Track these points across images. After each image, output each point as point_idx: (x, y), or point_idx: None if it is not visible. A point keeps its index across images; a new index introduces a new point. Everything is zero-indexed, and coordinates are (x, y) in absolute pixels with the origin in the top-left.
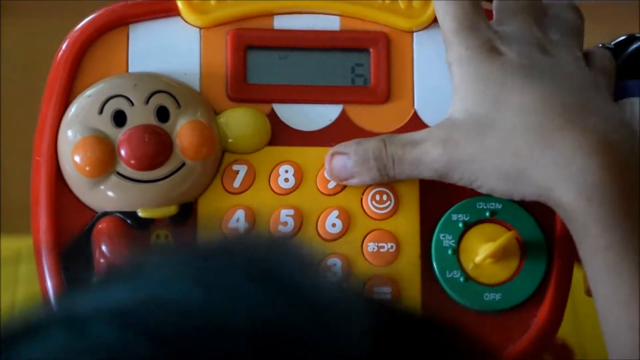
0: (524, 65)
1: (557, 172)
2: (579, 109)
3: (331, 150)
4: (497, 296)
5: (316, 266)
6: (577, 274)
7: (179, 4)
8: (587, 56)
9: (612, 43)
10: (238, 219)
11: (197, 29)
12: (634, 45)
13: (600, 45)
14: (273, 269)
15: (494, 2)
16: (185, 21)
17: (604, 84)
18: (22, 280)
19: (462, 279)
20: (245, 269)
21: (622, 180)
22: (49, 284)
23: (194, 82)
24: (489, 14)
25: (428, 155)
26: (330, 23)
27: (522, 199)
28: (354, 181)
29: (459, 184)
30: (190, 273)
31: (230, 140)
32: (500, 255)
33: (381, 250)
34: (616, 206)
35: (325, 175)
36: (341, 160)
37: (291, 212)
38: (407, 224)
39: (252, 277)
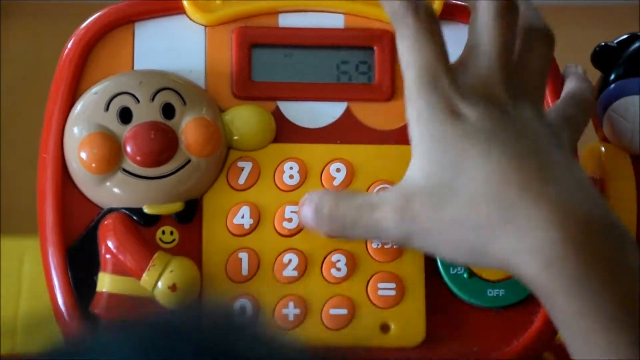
0: (484, 129)
1: (518, 245)
2: (538, 175)
3: (305, 196)
4: (501, 292)
5: (268, 341)
6: None
7: (185, 3)
8: (563, 98)
9: (615, 42)
10: (243, 216)
11: (203, 27)
12: (636, 44)
13: (603, 43)
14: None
15: (469, 39)
16: (191, 19)
17: (568, 135)
18: (25, 280)
19: (465, 275)
20: (195, 349)
21: (584, 247)
22: (55, 280)
23: (199, 80)
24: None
25: (384, 223)
26: (335, 21)
27: (486, 268)
28: (321, 232)
29: (420, 251)
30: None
31: (235, 138)
32: None
33: (385, 246)
34: (579, 275)
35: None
36: (306, 211)
37: (296, 208)
38: None
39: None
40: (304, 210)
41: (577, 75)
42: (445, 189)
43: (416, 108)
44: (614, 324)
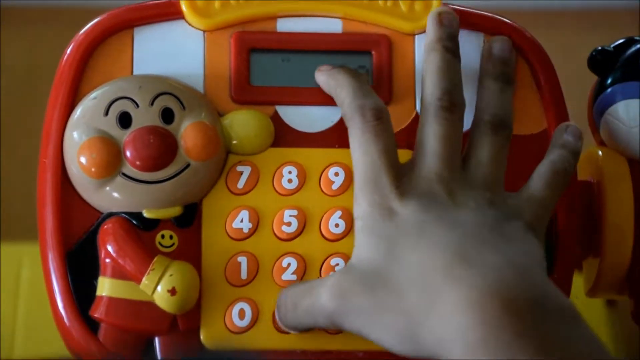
0: (416, 223)
1: (442, 330)
2: (464, 262)
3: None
4: None
5: None
6: (577, 276)
7: (183, 7)
8: (533, 175)
9: (612, 46)
10: (242, 220)
11: (201, 32)
12: (633, 48)
13: (600, 48)
14: None
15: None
16: (189, 24)
17: (531, 215)
18: (23, 286)
19: None
20: None
21: (506, 328)
22: (55, 284)
23: (198, 85)
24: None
25: (318, 302)
26: (333, 26)
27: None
28: (282, 327)
29: (358, 335)
30: None
31: (234, 142)
32: None
33: None
34: (503, 357)
35: None
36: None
37: (295, 212)
38: None
39: None
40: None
41: (561, 140)
42: (377, 274)
43: (358, 203)
44: None
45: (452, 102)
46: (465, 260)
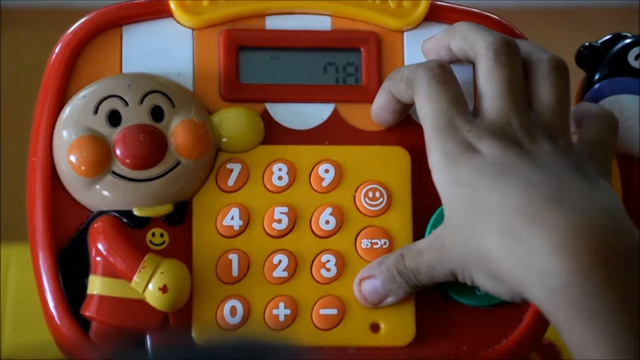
0: (497, 163)
1: (525, 271)
2: (547, 204)
3: (357, 277)
4: None
5: None
6: None
7: (172, 5)
8: (583, 127)
9: (599, 42)
10: (233, 217)
11: (190, 30)
12: (620, 44)
13: (587, 43)
14: None
15: (476, 86)
16: (178, 22)
17: (599, 159)
18: (10, 287)
19: None
20: None
21: (591, 275)
22: (46, 283)
23: (187, 83)
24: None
25: (433, 263)
26: (322, 23)
27: (512, 300)
28: (390, 300)
29: (470, 284)
30: None
31: (224, 140)
32: None
33: (374, 246)
34: (584, 305)
35: (361, 302)
36: (370, 284)
37: (285, 209)
38: (400, 220)
39: None
40: (368, 285)
41: (594, 105)
42: (464, 224)
43: (433, 156)
44: (620, 355)
45: (509, 44)
46: (549, 202)
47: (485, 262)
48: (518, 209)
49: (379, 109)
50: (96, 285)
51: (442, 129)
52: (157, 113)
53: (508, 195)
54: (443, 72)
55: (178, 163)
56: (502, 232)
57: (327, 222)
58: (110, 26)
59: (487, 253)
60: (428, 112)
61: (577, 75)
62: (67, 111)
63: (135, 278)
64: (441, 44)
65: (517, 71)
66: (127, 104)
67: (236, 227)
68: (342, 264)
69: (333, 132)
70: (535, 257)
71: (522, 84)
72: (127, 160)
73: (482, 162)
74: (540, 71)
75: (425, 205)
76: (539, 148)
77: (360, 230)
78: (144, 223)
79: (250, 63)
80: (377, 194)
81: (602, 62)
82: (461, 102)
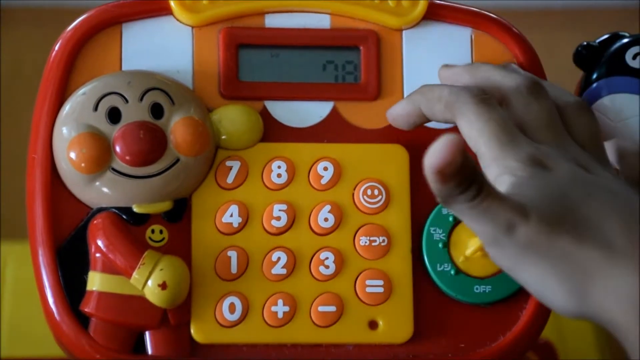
0: (576, 180)
1: (616, 293)
2: (635, 230)
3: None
4: (487, 288)
5: None
6: None
7: (172, 3)
8: (623, 162)
9: (597, 41)
10: (232, 214)
11: (190, 28)
12: (618, 43)
13: (585, 43)
14: None
15: (518, 117)
16: (178, 20)
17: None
18: (8, 285)
19: (452, 272)
20: None
21: None
22: (45, 280)
23: (187, 80)
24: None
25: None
26: (321, 21)
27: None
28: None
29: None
30: None
31: (223, 137)
32: None
33: (373, 244)
34: None
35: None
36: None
37: (284, 206)
38: (398, 218)
39: None
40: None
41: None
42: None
43: (502, 165)
44: None
45: (539, 83)
46: (636, 229)
47: (574, 269)
48: (619, 232)
49: (398, 116)
50: (95, 281)
51: (509, 142)
52: (156, 110)
53: (604, 213)
54: (490, 97)
55: (177, 160)
56: (599, 240)
57: (326, 219)
58: (110, 24)
59: (580, 259)
60: (483, 128)
61: (575, 75)
62: (67, 108)
63: (135, 274)
64: (460, 80)
65: (552, 108)
66: (127, 101)
67: (235, 224)
68: (341, 261)
69: (332, 130)
70: (630, 285)
71: (559, 120)
72: (127, 157)
73: (562, 177)
74: (570, 111)
75: (423, 203)
76: (601, 172)
77: (359, 228)
78: (143, 220)
79: (250, 61)
80: (376, 192)
81: (599, 61)
82: (511, 124)
